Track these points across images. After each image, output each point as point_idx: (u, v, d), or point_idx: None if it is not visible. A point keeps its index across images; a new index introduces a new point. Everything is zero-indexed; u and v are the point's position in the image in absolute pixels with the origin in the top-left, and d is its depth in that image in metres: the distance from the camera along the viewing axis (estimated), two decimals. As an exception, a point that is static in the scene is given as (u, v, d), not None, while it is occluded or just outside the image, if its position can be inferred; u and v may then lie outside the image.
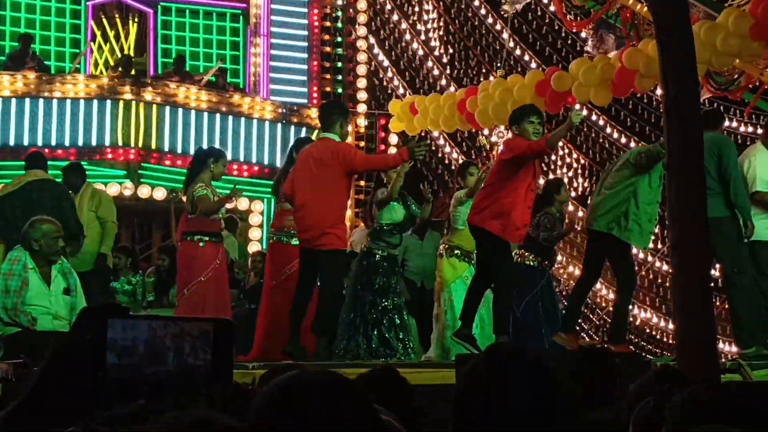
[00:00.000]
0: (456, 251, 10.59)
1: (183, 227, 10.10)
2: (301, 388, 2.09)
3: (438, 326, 10.56)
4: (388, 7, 18.03)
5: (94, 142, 14.58)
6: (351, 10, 17.42)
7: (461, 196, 10.67)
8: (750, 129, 15.67)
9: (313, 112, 15.99)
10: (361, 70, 17.36)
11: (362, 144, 16.76)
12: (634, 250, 11.48)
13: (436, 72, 17.57)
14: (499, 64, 16.15)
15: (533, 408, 2.44)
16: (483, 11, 16.96)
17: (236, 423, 2.33)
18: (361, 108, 17.15)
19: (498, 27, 16.73)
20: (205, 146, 13.29)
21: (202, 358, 1.85)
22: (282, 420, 2.03)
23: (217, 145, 14.71)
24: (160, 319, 1.86)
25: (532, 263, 10.92)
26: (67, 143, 14.45)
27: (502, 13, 15.75)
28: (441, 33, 17.77)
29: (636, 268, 12.21)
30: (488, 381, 2.47)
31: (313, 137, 11.66)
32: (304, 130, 15.52)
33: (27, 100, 14.51)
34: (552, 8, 15.68)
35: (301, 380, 2.12)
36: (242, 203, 15.18)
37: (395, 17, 17.98)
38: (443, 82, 17.31)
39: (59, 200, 10.22)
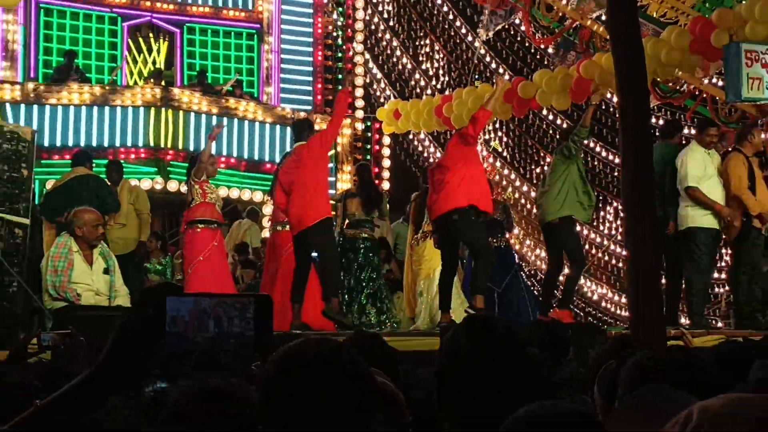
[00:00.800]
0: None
1: (185, 218, 10.20)
2: (302, 355, 2.09)
3: (425, 298, 10.54)
4: (382, 27, 18.02)
5: (129, 143, 14.57)
6: (350, 30, 17.40)
7: None
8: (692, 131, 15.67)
9: (318, 117, 16.03)
10: (358, 81, 17.35)
11: (359, 144, 16.77)
12: (593, 235, 11.55)
13: (422, 83, 17.59)
14: (477, 76, 16.15)
15: (504, 368, 2.45)
16: (464, 30, 16.92)
17: (250, 392, 2.33)
18: (359, 114, 17.12)
19: (476, 44, 16.71)
20: (224, 147, 13.36)
21: (241, 327, 1.86)
22: (286, 385, 2.03)
23: (233, 145, 14.79)
24: (204, 296, 1.87)
25: (501, 245, 10.93)
26: (106, 144, 14.43)
27: (478, 35, 15.76)
28: (427, 50, 17.76)
29: (593, 251, 12.26)
30: (466, 346, 2.48)
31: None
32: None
33: (71, 108, 14.50)
34: (522, 28, 15.65)
35: (302, 348, 2.13)
36: (257, 196, 15.21)
37: (387, 36, 17.98)
38: (428, 91, 17.30)
39: (97, 191, 10.25)
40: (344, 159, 16.45)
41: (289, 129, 15.46)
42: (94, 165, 10.91)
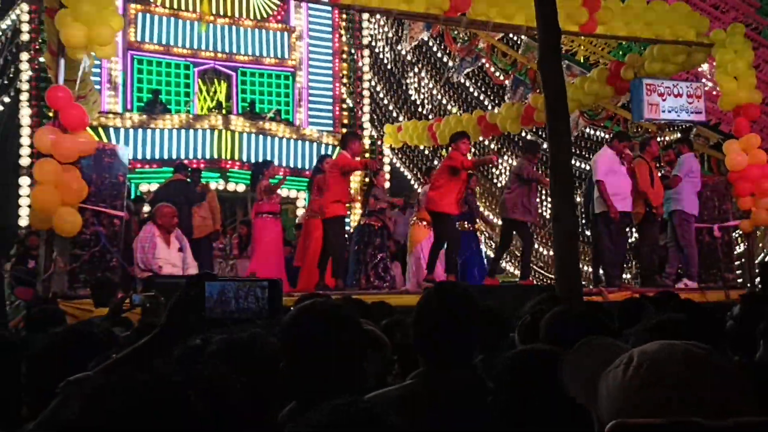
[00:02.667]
0: (422, 221, 10.55)
1: (255, 209, 10.19)
2: (311, 310, 2.09)
3: (411, 268, 10.53)
4: (388, 65, 18.03)
5: (200, 156, 14.54)
6: (359, 72, 17.34)
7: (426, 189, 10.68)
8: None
9: (338, 136, 16.03)
10: (365, 108, 17.32)
11: (367, 154, 16.72)
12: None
13: (412, 109, 17.61)
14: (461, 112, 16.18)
15: (462, 319, 2.44)
16: (450, 64, 16.90)
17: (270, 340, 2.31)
18: (366, 133, 17.07)
19: (461, 79, 16.71)
20: (269, 158, 13.31)
21: (257, 304, 1.84)
22: (298, 331, 2.03)
23: (276, 157, 14.76)
24: (229, 280, 1.87)
25: (467, 229, 10.90)
26: (183, 156, 14.39)
27: (449, 76, 15.78)
28: (426, 81, 17.76)
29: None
30: (435, 303, 2.47)
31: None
32: (330, 147, 15.47)
33: (157, 131, 14.50)
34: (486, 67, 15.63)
35: (311, 305, 2.13)
36: (292, 193, 15.20)
37: (389, 67, 18.03)
38: (417, 116, 17.30)
39: (185, 192, 10.26)
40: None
41: (315, 144, 15.53)
42: (188, 173, 10.92)
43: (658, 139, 13.12)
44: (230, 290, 1.83)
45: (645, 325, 2.91)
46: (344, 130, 16.84)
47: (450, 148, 9.60)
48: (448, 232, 9.17)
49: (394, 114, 17.81)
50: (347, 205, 9.67)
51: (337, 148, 14.62)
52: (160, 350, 1.86)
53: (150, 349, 1.85)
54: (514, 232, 9.86)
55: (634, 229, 11.15)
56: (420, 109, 17.76)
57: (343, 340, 2.08)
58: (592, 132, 16.33)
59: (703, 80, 12.73)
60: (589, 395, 1.19)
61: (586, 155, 16.02)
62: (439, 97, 17.43)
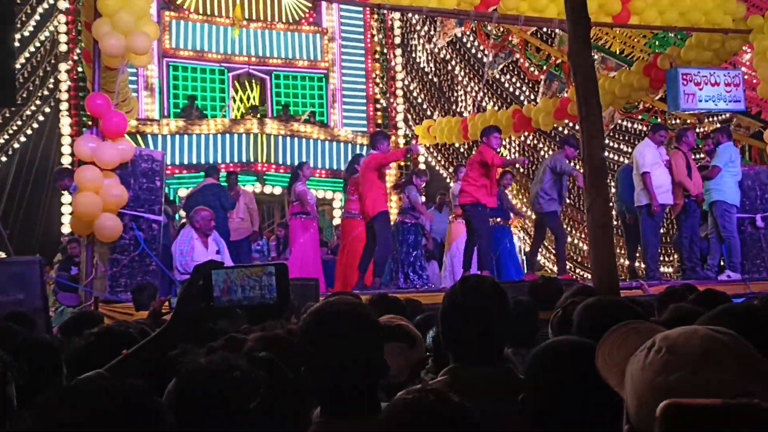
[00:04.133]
0: (459, 218, 10.49)
1: (291, 211, 10.27)
2: (326, 308, 2.10)
3: (449, 267, 10.51)
4: (422, 64, 18.01)
5: (236, 160, 14.68)
6: (392, 72, 17.33)
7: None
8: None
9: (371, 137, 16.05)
10: (399, 108, 17.29)
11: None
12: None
13: (447, 106, 17.57)
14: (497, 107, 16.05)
15: (489, 313, 2.42)
16: (484, 60, 16.83)
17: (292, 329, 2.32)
18: (401, 132, 17.05)
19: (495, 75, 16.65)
20: (304, 160, 13.37)
21: (265, 291, 1.80)
22: (317, 327, 2.04)
23: (311, 159, 14.84)
24: (233, 268, 1.82)
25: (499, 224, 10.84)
26: (219, 161, 14.52)
27: (485, 74, 15.70)
28: (460, 78, 17.72)
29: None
30: (461, 298, 2.45)
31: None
32: (365, 147, 15.49)
33: (194, 137, 14.66)
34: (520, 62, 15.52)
35: (326, 303, 2.14)
36: (328, 194, 15.28)
37: (422, 66, 18.00)
38: (458, 109, 17.24)
39: (219, 196, 10.36)
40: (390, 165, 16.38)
41: (350, 145, 15.56)
42: (219, 175, 11.00)
43: (699, 129, 12.92)
44: (237, 278, 1.80)
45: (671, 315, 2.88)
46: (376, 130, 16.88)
47: (481, 142, 9.58)
48: (482, 223, 9.11)
49: (428, 112, 17.78)
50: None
51: (370, 149, 14.66)
52: (170, 342, 1.88)
53: (160, 342, 1.86)
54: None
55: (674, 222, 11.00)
56: (455, 107, 17.71)
57: (357, 337, 2.08)
58: (629, 125, 16.14)
59: (743, 68, 12.49)
60: (620, 380, 1.19)
61: (625, 149, 15.84)
62: (474, 93, 17.36)
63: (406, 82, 17.72)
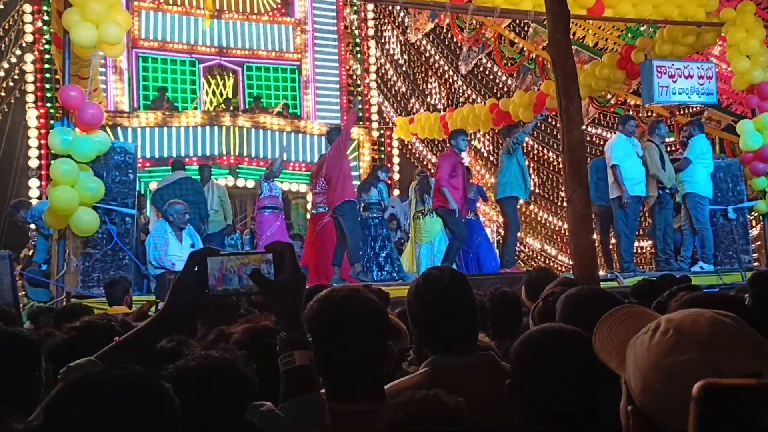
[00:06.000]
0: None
1: (256, 206, 10.26)
2: (330, 297, 2.10)
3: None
4: (395, 56, 18.01)
5: (207, 153, 14.60)
6: (366, 64, 17.32)
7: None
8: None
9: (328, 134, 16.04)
10: (373, 101, 17.30)
11: (375, 147, 16.73)
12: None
13: (418, 104, 17.59)
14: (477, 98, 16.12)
15: (452, 304, 2.42)
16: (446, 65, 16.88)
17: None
18: (375, 125, 17.05)
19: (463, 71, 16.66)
20: (277, 154, 13.32)
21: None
22: (322, 314, 2.04)
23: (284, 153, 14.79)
24: (230, 255, 1.75)
25: (470, 217, 10.88)
26: (191, 154, 14.45)
27: (460, 66, 15.73)
28: (430, 74, 17.75)
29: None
30: (423, 289, 2.46)
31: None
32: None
33: (165, 128, 14.55)
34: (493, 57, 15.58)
35: (331, 293, 2.14)
36: (302, 187, 15.24)
37: (396, 57, 18.00)
38: (423, 109, 17.26)
39: (199, 193, 10.29)
40: (362, 158, 16.38)
41: (323, 138, 15.49)
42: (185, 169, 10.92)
43: (671, 122, 13.08)
44: (233, 266, 1.74)
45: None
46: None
47: (448, 145, 9.75)
48: (456, 226, 9.31)
49: (402, 104, 17.79)
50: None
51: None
52: (163, 331, 1.83)
53: (153, 331, 1.80)
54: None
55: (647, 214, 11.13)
56: (429, 99, 17.74)
57: (362, 324, 2.08)
58: (603, 119, 16.28)
59: (714, 61, 12.66)
60: (620, 361, 1.21)
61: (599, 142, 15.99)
62: (449, 85, 17.39)
63: (382, 72, 17.72)
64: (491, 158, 17.24)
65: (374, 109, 17.22)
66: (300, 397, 1.69)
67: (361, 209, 9.96)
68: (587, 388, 1.78)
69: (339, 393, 1.98)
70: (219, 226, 10.95)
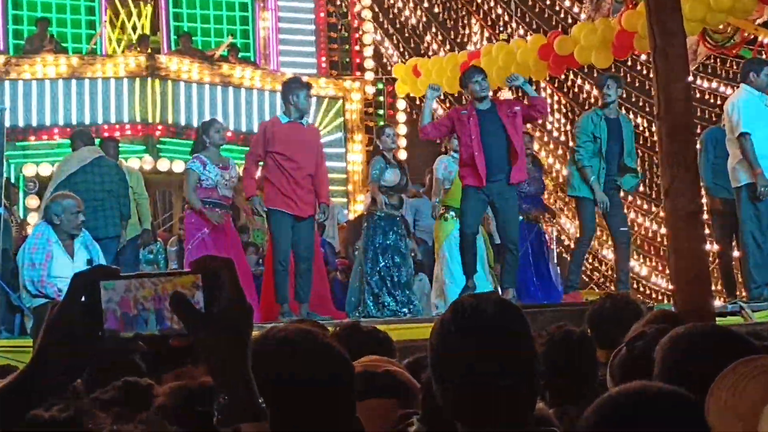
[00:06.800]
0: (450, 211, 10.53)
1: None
2: (280, 339, 2.11)
3: (437, 284, 10.55)
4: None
5: (113, 120, 14.60)
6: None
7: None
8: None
9: (322, 82, 16.00)
10: (367, 39, 17.27)
11: (371, 110, 16.72)
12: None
13: (440, 37, 17.56)
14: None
15: (492, 361, 2.40)
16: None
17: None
18: (369, 75, 17.06)
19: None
20: (219, 117, 13.32)
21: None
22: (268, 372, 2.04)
23: (231, 119, 14.78)
24: (138, 277, 1.65)
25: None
26: (87, 121, 14.44)
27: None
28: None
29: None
30: (454, 331, 2.44)
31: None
32: (314, 99, 15.47)
33: (47, 83, 14.56)
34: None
35: (284, 333, 2.15)
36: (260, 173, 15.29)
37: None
38: (447, 47, 17.24)
39: (123, 182, 10.27)
40: (354, 127, 16.40)
41: (270, 94, 15.50)
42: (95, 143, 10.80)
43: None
44: (145, 295, 1.64)
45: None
46: (335, 74, 16.87)
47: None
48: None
49: (413, 45, 17.78)
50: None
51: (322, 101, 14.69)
52: (33, 397, 1.77)
53: (16, 396, 1.74)
54: None
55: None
56: (453, 37, 17.70)
57: (319, 389, 2.11)
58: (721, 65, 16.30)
59: None
60: None
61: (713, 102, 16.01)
62: (487, 10, 17.33)
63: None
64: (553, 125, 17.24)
65: (369, 51, 17.20)
66: None
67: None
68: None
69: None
70: (131, 232, 10.94)
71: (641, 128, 16.91)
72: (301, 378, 2.05)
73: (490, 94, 10.06)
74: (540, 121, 14.34)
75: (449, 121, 9.65)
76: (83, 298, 1.64)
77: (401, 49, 17.65)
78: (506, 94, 14.54)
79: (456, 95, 16.81)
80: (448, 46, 17.39)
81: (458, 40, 17.66)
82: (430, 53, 17.08)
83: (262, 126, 9.85)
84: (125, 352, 1.81)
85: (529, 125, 11.83)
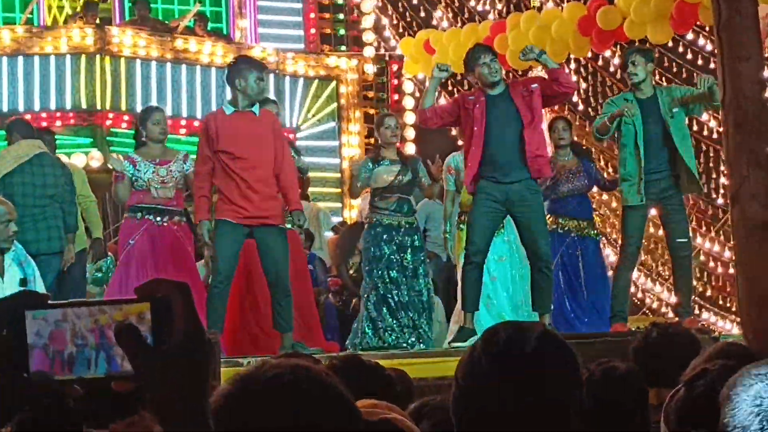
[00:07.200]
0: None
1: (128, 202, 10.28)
2: (268, 379, 2.13)
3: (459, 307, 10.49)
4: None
5: (53, 106, 14.66)
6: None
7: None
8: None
9: (312, 60, 16.02)
10: (366, 6, 17.26)
11: (371, 94, 16.74)
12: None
13: (456, 4, 17.57)
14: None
15: (527, 407, 2.43)
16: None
17: None
18: (369, 51, 17.07)
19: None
20: (184, 103, 13.37)
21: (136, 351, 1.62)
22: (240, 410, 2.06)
23: (198, 105, 14.81)
24: (73, 305, 1.64)
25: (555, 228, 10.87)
26: (21, 108, 14.48)
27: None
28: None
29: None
30: (485, 366, 2.45)
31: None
32: (301, 81, 15.54)
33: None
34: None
35: (258, 371, 2.17)
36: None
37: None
38: (466, 14, 17.22)
39: (69, 184, 10.31)
40: (350, 115, 16.43)
41: (272, 77, 15.53)
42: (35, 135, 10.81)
43: None
44: (82, 328, 1.63)
45: None
46: (327, 49, 16.91)
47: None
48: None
49: (422, 17, 17.79)
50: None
51: (311, 83, 14.70)
52: None
53: None
54: None
55: None
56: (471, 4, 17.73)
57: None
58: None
59: None
60: None
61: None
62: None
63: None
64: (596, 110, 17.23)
65: (369, 20, 17.23)
66: None
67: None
68: None
69: None
70: (79, 245, 10.98)
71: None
72: None
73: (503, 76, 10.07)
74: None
75: (455, 107, 9.64)
76: (4, 331, 1.64)
77: (408, 19, 17.65)
78: (539, 74, 14.51)
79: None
80: (467, 14, 17.36)
81: (479, 7, 17.66)
82: (445, 25, 17.07)
83: (204, 121, 9.86)
84: (56, 398, 1.79)
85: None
